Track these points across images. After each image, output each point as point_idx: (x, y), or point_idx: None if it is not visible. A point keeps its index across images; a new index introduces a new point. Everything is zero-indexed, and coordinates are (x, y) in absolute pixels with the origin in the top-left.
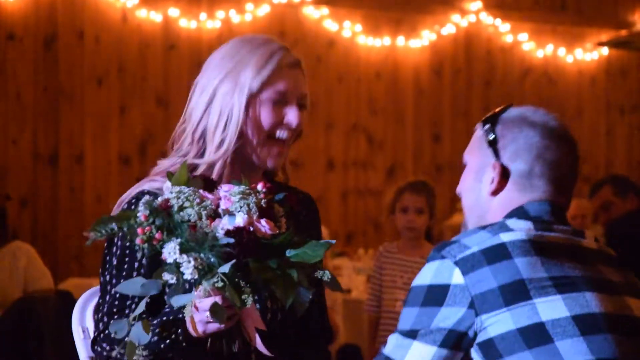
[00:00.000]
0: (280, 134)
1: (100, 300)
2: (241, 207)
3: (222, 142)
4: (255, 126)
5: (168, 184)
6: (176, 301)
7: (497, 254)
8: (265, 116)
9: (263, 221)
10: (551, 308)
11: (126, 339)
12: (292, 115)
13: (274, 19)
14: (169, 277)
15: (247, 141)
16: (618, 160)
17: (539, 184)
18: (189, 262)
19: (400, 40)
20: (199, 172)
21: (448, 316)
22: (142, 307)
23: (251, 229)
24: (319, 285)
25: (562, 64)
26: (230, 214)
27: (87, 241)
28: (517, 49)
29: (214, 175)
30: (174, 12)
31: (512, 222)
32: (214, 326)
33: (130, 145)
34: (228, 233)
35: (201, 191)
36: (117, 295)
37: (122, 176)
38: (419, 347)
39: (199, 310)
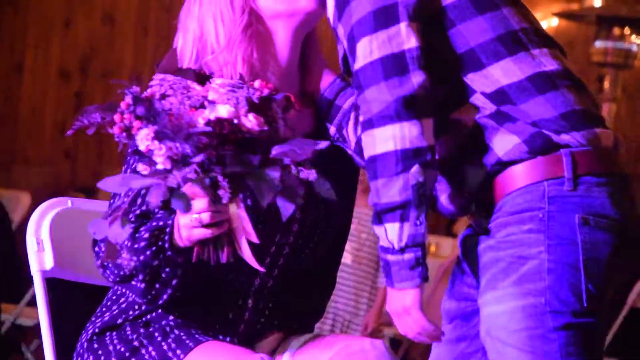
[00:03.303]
0: None
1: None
2: (229, 99)
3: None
4: None
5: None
6: (136, 182)
7: None
8: None
9: (251, 115)
10: None
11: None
12: None
13: None
14: (142, 168)
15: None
16: None
17: None
18: (161, 149)
19: None
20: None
21: None
22: (122, 201)
23: (235, 121)
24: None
25: None
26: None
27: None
28: None
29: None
30: None
31: None
32: (199, 232)
33: (71, 60)
34: (208, 123)
35: (189, 82)
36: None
37: (60, 91)
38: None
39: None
